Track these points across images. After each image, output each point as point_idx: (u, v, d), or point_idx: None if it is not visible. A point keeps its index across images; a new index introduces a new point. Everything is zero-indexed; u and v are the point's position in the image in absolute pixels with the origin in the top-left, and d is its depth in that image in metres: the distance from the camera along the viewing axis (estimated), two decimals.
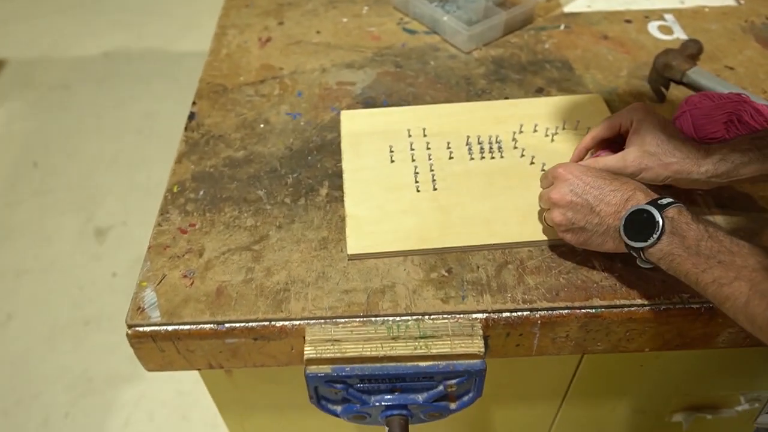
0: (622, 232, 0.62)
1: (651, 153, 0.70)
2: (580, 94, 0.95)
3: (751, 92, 0.94)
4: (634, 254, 0.62)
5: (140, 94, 2.64)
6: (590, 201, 0.65)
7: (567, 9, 1.15)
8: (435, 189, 0.80)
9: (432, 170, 0.83)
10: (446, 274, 0.73)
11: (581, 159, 0.79)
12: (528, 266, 0.73)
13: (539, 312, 0.69)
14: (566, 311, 0.69)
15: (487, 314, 0.69)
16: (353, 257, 0.74)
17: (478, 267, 0.73)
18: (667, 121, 0.73)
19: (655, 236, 0.59)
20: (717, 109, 0.82)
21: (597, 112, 0.91)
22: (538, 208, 0.77)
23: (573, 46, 1.06)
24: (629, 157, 0.72)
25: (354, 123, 0.91)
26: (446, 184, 0.81)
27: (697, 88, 0.95)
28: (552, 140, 0.87)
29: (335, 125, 0.92)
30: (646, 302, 0.70)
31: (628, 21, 1.11)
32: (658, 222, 0.59)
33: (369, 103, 0.96)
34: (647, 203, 0.61)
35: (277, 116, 0.94)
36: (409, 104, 0.95)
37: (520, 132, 0.88)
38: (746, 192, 0.81)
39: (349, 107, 0.95)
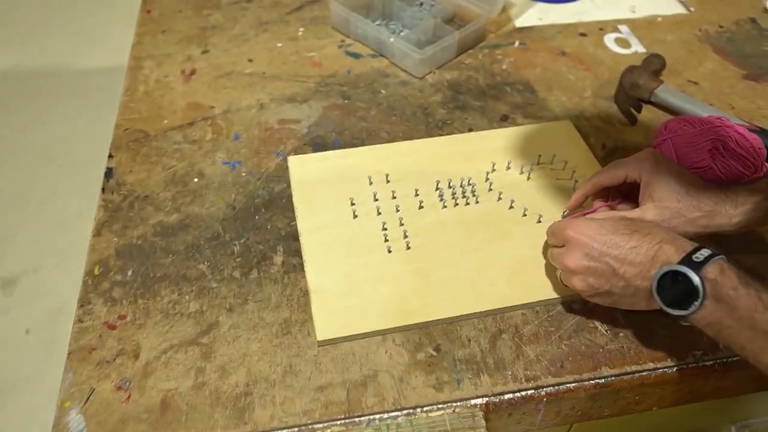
0: (656, 297, 0.54)
1: (672, 210, 0.63)
2: (548, 121, 0.87)
3: (719, 107, 0.90)
4: (671, 316, 0.55)
5: (47, 116, 2.37)
6: (611, 264, 0.57)
7: (518, 23, 1.07)
8: (408, 248, 0.70)
9: (402, 224, 0.72)
10: (434, 353, 0.63)
11: (579, 205, 0.71)
12: (525, 334, 0.64)
13: (545, 389, 0.61)
14: (574, 384, 0.61)
15: (487, 398, 0.60)
16: (324, 343, 0.63)
17: (469, 340, 0.64)
18: (682, 170, 0.65)
19: (696, 304, 0.51)
20: (700, 135, 0.76)
21: (570, 141, 0.83)
22: (526, 264, 0.69)
23: (531, 65, 0.98)
24: (648, 216, 0.63)
25: (304, 170, 0.79)
26: (420, 240, 0.71)
27: (666, 107, 0.90)
28: (528, 178, 0.78)
29: (283, 174, 0.80)
30: (658, 365, 0.62)
31: (583, 34, 1.05)
32: (696, 288, 0.51)
33: (318, 144, 0.84)
34: (680, 262, 0.53)
35: (213, 167, 0.81)
36: (363, 142, 0.84)
37: (493, 171, 0.79)
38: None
39: (296, 150, 0.83)
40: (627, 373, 0.62)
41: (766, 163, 0.76)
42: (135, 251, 0.71)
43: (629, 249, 0.56)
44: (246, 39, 1.03)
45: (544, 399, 0.61)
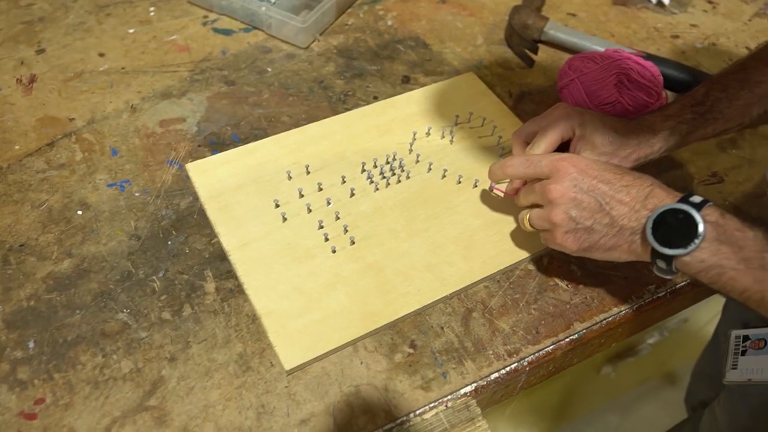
0: (650, 236, 0.52)
1: (608, 153, 0.63)
2: (450, 76, 0.84)
3: (601, 37, 0.92)
4: (659, 262, 0.53)
5: None
6: (598, 198, 0.55)
7: None
8: (353, 243, 0.64)
9: (338, 218, 0.66)
10: (411, 350, 0.59)
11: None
12: (493, 307, 0.62)
13: (527, 359, 0.60)
14: (552, 347, 0.61)
15: (476, 384, 0.58)
16: (292, 371, 0.56)
17: (442, 328, 0.60)
18: (603, 115, 0.65)
19: (697, 241, 0.50)
20: (604, 71, 0.77)
21: (479, 94, 0.81)
22: (476, 234, 0.66)
23: (416, 18, 0.93)
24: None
25: (209, 177, 0.69)
26: (362, 231, 0.65)
27: (557, 44, 0.90)
28: (451, 141, 0.75)
29: (184, 185, 0.69)
30: (621, 308, 0.64)
31: None
32: (697, 224, 0.50)
33: (215, 143, 0.74)
34: (680, 201, 0.52)
35: (97, 192, 0.68)
36: (266, 132, 0.75)
37: (414, 140, 0.74)
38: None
39: (191, 155, 0.72)
40: (596, 323, 0.62)
41: (665, 91, 0.79)
42: (30, 316, 0.58)
43: (620, 186, 0.55)
44: (87, 29, 0.86)
45: (527, 368, 0.60)
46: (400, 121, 0.76)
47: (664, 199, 0.53)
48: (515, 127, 0.76)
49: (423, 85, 0.83)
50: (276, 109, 0.78)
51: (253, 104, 0.79)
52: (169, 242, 0.64)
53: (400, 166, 0.71)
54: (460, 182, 0.70)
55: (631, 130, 0.64)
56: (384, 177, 0.70)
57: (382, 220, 0.66)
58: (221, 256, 0.63)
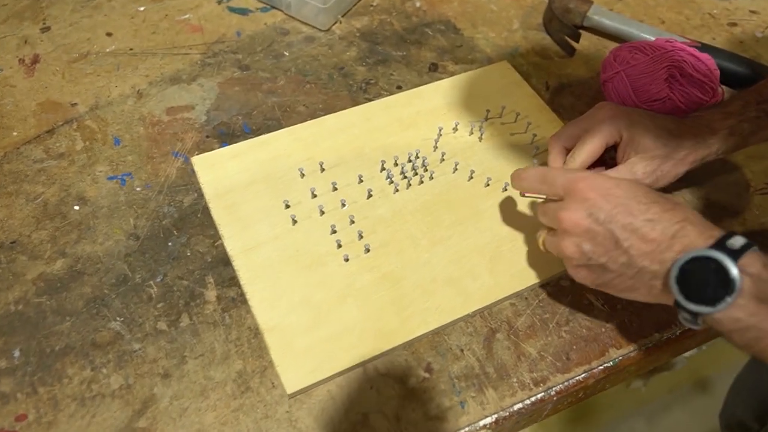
0: (673, 285, 0.44)
1: (660, 156, 0.56)
2: (482, 65, 0.77)
3: (650, 24, 0.83)
4: (683, 313, 0.45)
5: None
6: (616, 233, 0.47)
7: None
8: (368, 251, 0.58)
9: (353, 222, 0.60)
10: (427, 374, 0.53)
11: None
12: (519, 328, 0.56)
13: (554, 389, 0.54)
14: (583, 376, 0.55)
15: (496, 415, 0.52)
16: (295, 394, 0.51)
17: (461, 350, 0.55)
18: (653, 115, 0.59)
19: (729, 300, 0.42)
20: (654, 64, 0.69)
21: (513, 85, 0.74)
22: (504, 245, 0.60)
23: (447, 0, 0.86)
24: (638, 169, 0.57)
25: (216, 171, 0.64)
26: (379, 238, 0.60)
27: (601, 31, 0.82)
28: (480, 138, 0.68)
29: (189, 180, 0.64)
30: (663, 334, 0.57)
31: None
32: (733, 280, 0.42)
33: (224, 133, 0.69)
34: (713, 247, 0.43)
35: (96, 185, 0.63)
36: (279, 123, 0.70)
37: (440, 136, 0.68)
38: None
39: (198, 147, 0.67)
40: (634, 350, 0.56)
41: (720, 86, 0.71)
42: (17, 322, 0.54)
43: (644, 221, 0.46)
44: (96, 5, 0.81)
45: (555, 398, 0.54)
46: (425, 114, 0.70)
47: (695, 240, 0.45)
48: (551, 124, 0.69)
49: (452, 74, 0.76)
50: (292, 98, 0.72)
51: (267, 92, 0.73)
52: (170, 243, 0.60)
53: (423, 165, 0.65)
54: (488, 185, 0.64)
55: (686, 130, 0.58)
56: (405, 177, 0.64)
57: (402, 226, 0.60)
58: (225, 261, 0.58)
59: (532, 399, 0.53)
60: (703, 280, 0.43)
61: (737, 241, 0.43)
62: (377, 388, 0.52)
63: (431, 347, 0.55)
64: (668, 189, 0.60)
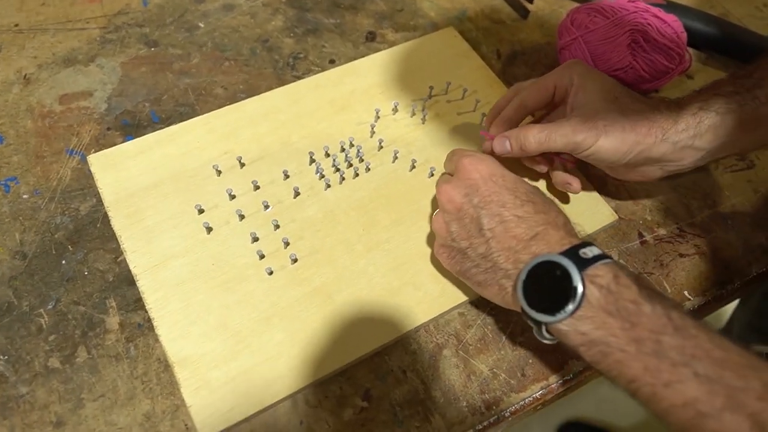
0: (519, 290, 0.41)
1: (608, 110, 0.49)
2: (425, 33, 0.68)
3: None
4: (529, 322, 0.42)
5: None
6: (483, 219, 0.44)
7: None
8: (295, 261, 0.51)
9: (277, 226, 0.53)
10: (365, 404, 0.47)
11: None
12: (469, 342, 0.50)
13: (509, 409, 0.48)
14: (541, 392, 0.49)
15: None
16: None
17: (404, 372, 0.48)
18: (614, 81, 0.52)
19: (569, 309, 0.38)
20: (614, 28, 0.62)
21: (459, 55, 0.65)
22: None
23: None
24: (580, 117, 0.49)
25: (118, 173, 0.55)
26: (308, 245, 0.52)
27: None
28: (423, 120, 0.60)
29: (87, 183, 0.55)
30: None
31: None
32: (575, 288, 0.38)
33: (129, 125, 0.59)
34: (563, 253, 0.40)
35: None
36: (193, 110, 0.60)
37: (377, 119, 0.60)
38: None
39: (98, 142, 0.58)
40: None
41: (687, 50, 0.64)
42: None
43: (512, 216, 0.44)
44: None
45: (509, 418, 0.48)
46: (360, 93, 0.61)
47: (552, 245, 0.42)
48: None
49: (392, 43, 0.67)
50: (208, 78, 0.63)
51: (180, 72, 0.63)
52: (64, 261, 0.51)
53: (358, 156, 0.57)
54: (432, 175, 0.57)
55: (644, 99, 0.51)
56: (338, 170, 0.56)
57: (334, 229, 0.53)
58: (129, 280, 0.50)
59: (484, 424, 0.47)
60: (547, 286, 0.40)
61: (591, 251, 0.40)
62: (308, 424, 0.46)
63: (370, 371, 0.48)
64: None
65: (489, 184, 0.45)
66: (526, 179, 0.49)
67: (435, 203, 0.55)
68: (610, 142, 0.48)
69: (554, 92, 0.53)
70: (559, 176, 0.54)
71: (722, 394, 0.34)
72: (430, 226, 0.52)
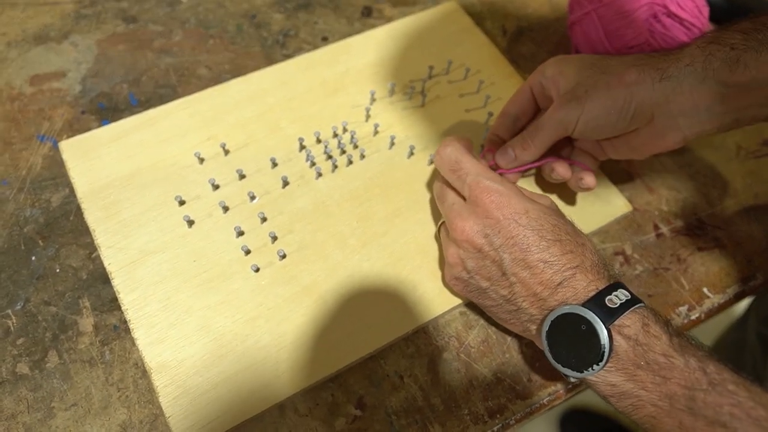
0: (544, 340, 0.39)
1: (586, 76, 0.44)
2: (427, 8, 0.63)
3: None
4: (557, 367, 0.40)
5: None
6: (505, 264, 0.40)
7: None
8: (283, 257, 0.47)
9: (264, 219, 0.49)
10: (359, 412, 0.43)
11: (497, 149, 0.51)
12: (471, 345, 0.46)
13: (514, 417, 0.44)
14: (548, 398, 0.45)
15: None
16: None
17: (401, 377, 0.45)
18: (593, 55, 0.48)
19: (596, 367, 0.36)
20: (631, 1, 0.57)
21: (463, 32, 0.61)
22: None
23: None
24: (555, 105, 0.45)
25: (92, 162, 0.51)
26: (297, 239, 0.48)
27: None
28: (423, 103, 0.56)
29: (59, 172, 0.51)
30: None
31: None
32: (603, 345, 0.36)
33: (105, 108, 0.55)
34: (587, 302, 0.37)
35: None
36: (175, 92, 0.56)
37: (373, 101, 0.55)
38: None
39: (71, 127, 0.54)
40: None
41: (709, 26, 0.59)
42: None
43: (538, 260, 0.39)
44: None
45: (514, 426, 0.45)
46: (354, 74, 0.57)
47: (578, 292, 0.38)
48: (508, 79, 0.58)
49: (389, 19, 0.63)
50: (191, 58, 0.58)
51: (160, 50, 0.59)
52: (33, 258, 0.47)
53: (352, 142, 0.53)
54: (432, 163, 0.52)
55: (634, 55, 0.46)
56: (330, 158, 0.52)
57: (326, 222, 0.49)
58: (104, 278, 0.47)
59: None
60: (573, 339, 0.37)
61: (619, 297, 0.37)
62: None
63: (364, 376, 0.45)
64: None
65: (512, 225, 0.40)
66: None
67: (435, 204, 0.51)
68: (596, 104, 0.43)
69: (533, 96, 0.48)
70: (570, 175, 0.49)
71: None
72: (437, 235, 0.48)
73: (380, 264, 0.47)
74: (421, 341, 0.46)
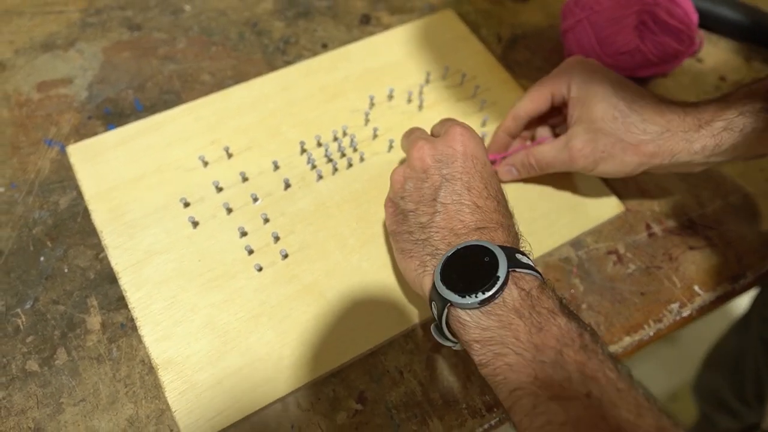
0: (438, 266, 0.38)
1: (607, 133, 0.45)
2: (424, 16, 0.65)
3: None
4: (432, 306, 0.38)
5: None
6: (442, 191, 0.41)
7: None
8: (285, 257, 0.48)
9: (267, 220, 0.50)
10: (360, 406, 0.45)
11: (504, 149, 0.53)
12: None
13: None
14: None
15: None
16: None
17: (401, 372, 0.46)
18: (623, 80, 0.48)
19: (482, 295, 0.35)
20: (621, 8, 0.59)
21: (459, 39, 0.62)
22: None
23: None
24: (575, 144, 0.46)
25: (98, 165, 0.52)
26: (299, 239, 0.49)
27: None
28: (420, 107, 0.57)
29: (67, 175, 0.52)
30: (634, 337, 0.49)
31: None
32: (497, 277, 0.35)
33: (111, 113, 0.56)
34: (501, 246, 0.37)
35: None
36: (179, 97, 0.58)
37: (372, 106, 0.57)
38: None
39: (78, 132, 0.55)
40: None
41: (699, 32, 0.61)
42: None
43: (471, 202, 0.40)
44: None
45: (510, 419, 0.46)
46: (354, 80, 0.58)
47: (495, 240, 0.39)
48: (504, 84, 0.59)
49: (387, 27, 0.64)
50: (194, 64, 0.60)
51: (164, 57, 0.60)
52: (42, 258, 0.48)
53: (352, 145, 0.54)
54: None
55: (658, 110, 0.45)
56: (330, 161, 0.53)
57: (326, 223, 0.50)
58: (111, 277, 0.48)
59: (485, 426, 0.45)
60: (470, 269, 0.37)
61: (527, 260, 0.37)
62: (300, 428, 0.43)
63: (364, 372, 0.46)
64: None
65: (467, 162, 0.42)
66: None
67: None
68: (610, 166, 0.46)
69: (552, 99, 0.50)
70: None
71: (612, 424, 0.30)
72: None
73: (379, 263, 0.49)
74: (419, 337, 0.47)
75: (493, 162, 0.53)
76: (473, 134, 0.44)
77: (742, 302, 0.84)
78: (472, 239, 0.38)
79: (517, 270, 0.36)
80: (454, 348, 0.39)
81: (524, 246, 0.40)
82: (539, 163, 0.49)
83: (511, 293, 0.35)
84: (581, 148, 0.46)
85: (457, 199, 0.40)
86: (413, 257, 0.41)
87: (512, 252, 0.37)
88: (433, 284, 0.38)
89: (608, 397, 0.31)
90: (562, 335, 0.33)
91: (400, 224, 0.43)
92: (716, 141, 0.44)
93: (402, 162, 0.47)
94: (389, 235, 0.44)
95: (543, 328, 0.34)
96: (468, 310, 0.36)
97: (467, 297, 0.35)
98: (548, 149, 0.48)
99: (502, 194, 0.43)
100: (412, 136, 0.46)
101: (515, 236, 0.41)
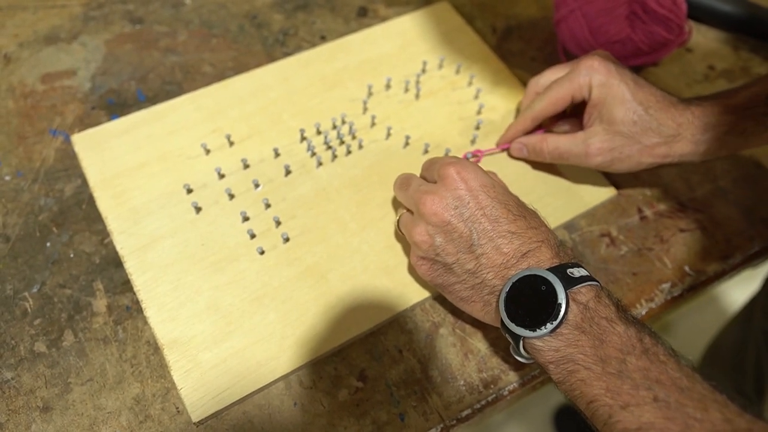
0: (501, 302, 0.40)
1: (625, 135, 0.48)
2: (420, 8, 0.66)
3: None
4: (508, 337, 0.41)
5: None
6: (474, 235, 0.41)
7: None
8: (287, 240, 0.50)
9: (268, 205, 0.51)
10: (360, 384, 0.46)
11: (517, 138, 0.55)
12: (466, 320, 0.49)
13: (508, 388, 0.47)
14: (540, 371, 0.48)
15: (441, 425, 0.45)
16: (204, 421, 0.43)
17: (400, 351, 0.47)
18: (639, 81, 0.49)
19: (549, 326, 0.37)
20: None
21: (455, 31, 0.64)
22: None
23: None
24: (594, 143, 0.49)
25: (102, 153, 0.53)
26: (300, 224, 0.51)
27: None
28: (417, 96, 0.59)
29: (71, 164, 0.54)
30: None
31: None
32: (559, 304, 0.37)
33: (114, 104, 0.57)
34: (550, 268, 0.39)
35: None
36: (180, 88, 0.59)
37: (370, 95, 0.58)
38: None
39: (82, 122, 0.56)
40: None
41: (688, 22, 0.63)
42: None
43: (505, 231, 0.41)
44: None
45: (508, 397, 0.47)
46: (352, 70, 0.60)
47: (542, 262, 0.40)
48: (498, 74, 0.61)
49: (384, 19, 0.66)
50: (195, 56, 0.61)
51: (166, 49, 0.61)
52: (48, 244, 0.50)
53: (351, 133, 0.55)
54: (427, 151, 0.55)
55: (671, 115, 0.48)
56: (329, 148, 0.55)
57: (326, 207, 0.52)
58: (116, 262, 0.49)
59: (482, 403, 0.46)
60: (531, 301, 0.39)
61: (579, 272, 0.39)
62: (302, 405, 0.45)
63: (365, 351, 0.47)
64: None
65: (480, 197, 0.42)
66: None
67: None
68: (625, 165, 0.50)
69: (572, 101, 0.51)
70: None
71: (679, 423, 0.32)
72: (398, 229, 0.48)
73: (379, 246, 0.50)
74: (418, 317, 0.49)
75: (474, 157, 0.54)
76: (465, 164, 0.44)
77: (740, 297, 0.86)
78: (523, 268, 0.40)
79: (574, 288, 0.38)
80: (525, 361, 0.42)
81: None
82: (552, 152, 0.51)
83: (572, 310, 0.37)
84: (600, 147, 0.48)
85: (491, 236, 0.41)
86: (475, 301, 0.43)
87: (563, 271, 0.39)
88: (502, 322, 0.40)
89: (674, 397, 0.33)
90: (623, 343, 0.36)
91: (447, 276, 0.43)
92: (721, 143, 0.47)
93: (398, 209, 0.49)
94: (438, 289, 0.45)
95: (605, 340, 0.36)
96: (541, 340, 0.38)
97: (537, 330, 0.38)
98: (564, 141, 0.50)
99: (521, 203, 0.44)
100: (410, 190, 0.46)
101: (556, 244, 0.42)
